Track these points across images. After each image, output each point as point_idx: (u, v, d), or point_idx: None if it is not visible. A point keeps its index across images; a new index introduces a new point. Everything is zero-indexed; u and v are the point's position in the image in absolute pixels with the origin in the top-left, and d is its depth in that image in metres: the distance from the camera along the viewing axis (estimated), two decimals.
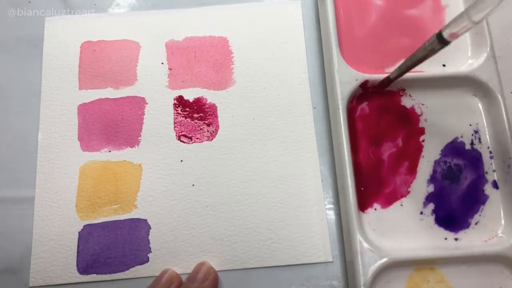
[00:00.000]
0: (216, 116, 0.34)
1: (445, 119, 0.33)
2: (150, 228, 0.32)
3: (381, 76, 0.33)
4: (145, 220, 0.32)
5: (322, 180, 0.33)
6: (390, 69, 0.34)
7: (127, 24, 0.37)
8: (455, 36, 0.25)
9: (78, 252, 0.31)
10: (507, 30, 0.36)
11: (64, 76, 0.35)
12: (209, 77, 0.35)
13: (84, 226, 0.32)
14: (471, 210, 0.32)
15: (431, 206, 0.32)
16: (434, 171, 0.32)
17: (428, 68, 0.33)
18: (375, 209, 0.32)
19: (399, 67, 0.31)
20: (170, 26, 0.37)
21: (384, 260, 0.29)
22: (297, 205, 0.32)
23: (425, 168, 0.32)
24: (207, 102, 0.35)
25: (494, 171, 0.32)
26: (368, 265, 0.28)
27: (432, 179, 0.32)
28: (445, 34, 0.25)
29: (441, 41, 0.26)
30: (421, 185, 0.32)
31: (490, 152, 0.33)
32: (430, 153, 0.33)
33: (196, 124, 0.34)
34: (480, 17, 0.24)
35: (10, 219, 0.32)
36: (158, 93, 0.35)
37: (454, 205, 0.32)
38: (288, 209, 0.32)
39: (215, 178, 0.33)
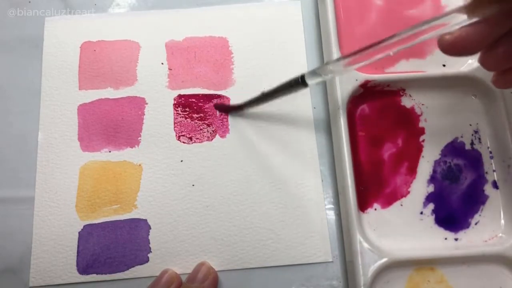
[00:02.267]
0: (216, 117, 0.34)
1: (445, 119, 0.33)
2: (150, 228, 0.32)
3: (381, 76, 0.33)
4: (145, 220, 0.32)
5: (322, 180, 0.33)
6: (390, 69, 0.34)
7: (127, 24, 0.37)
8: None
9: (78, 252, 0.31)
10: None
11: (64, 76, 0.35)
12: (209, 77, 0.35)
13: (84, 226, 0.32)
14: (471, 210, 0.32)
15: (431, 206, 0.32)
16: (434, 171, 0.32)
17: (428, 68, 0.33)
18: (375, 209, 0.32)
19: (256, 98, 0.32)
20: (170, 26, 0.37)
21: (384, 260, 0.29)
22: (297, 205, 0.32)
23: (425, 168, 0.32)
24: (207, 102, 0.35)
25: (494, 171, 0.32)
26: (368, 265, 0.28)
27: (432, 179, 0.32)
28: (309, 82, 0.28)
29: (304, 84, 0.28)
30: (421, 185, 0.32)
31: (490, 152, 0.33)
32: (430, 153, 0.33)
33: (196, 124, 0.34)
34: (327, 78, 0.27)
35: (10, 219, 0.32)
36: (158, 93, 0.35)
37: (454, 205, 0.32)
38: (288, 209, 0.32)
39: (215, 178, 0.33)
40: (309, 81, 0.28)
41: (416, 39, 0.24)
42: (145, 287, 0.29)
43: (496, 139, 0.32)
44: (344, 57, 0.26)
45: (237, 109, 0.34)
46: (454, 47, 0.24)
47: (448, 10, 0.23)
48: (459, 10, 0.22)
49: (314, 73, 0.28)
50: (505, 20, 0.23)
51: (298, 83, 0.28)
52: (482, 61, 0.25)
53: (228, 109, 0.34)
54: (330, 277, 0.31)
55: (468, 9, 0.22)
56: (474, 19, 0.22)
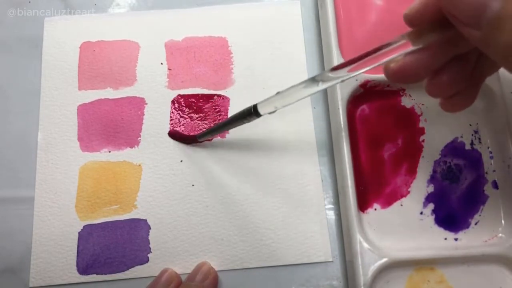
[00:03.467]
0: (216, 116, 0.34)
1: (445, 119, 0.33)
2: (150, 228, 0.32)
3: (381, 76, 0.33)
4: (145, 220, 0.32)
5: (322, 180, 0.33)
6: None
7: (126, 24, 0.37)
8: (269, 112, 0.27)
9: (78, 252, 0.31)
10: None
11: (64, 76, 0.35)
12: (209, 77, 0.35)
13: (84, 226, 0.32)
14: (471, 210, 0.32)
15: (431, 206, 0.32)
16: (434, 171, 0.32)
17: None
18: (375, 209, 0.32)
19: (210, 130, 0.31)
20: (170, 26, 0.37)
21: (384, 260, 0.29)
22: (297, 205, 0.32)
23: (425, 168, 0.32)
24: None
25: (494, 171, 0.32)
26: (368, 265, 0.28)
27: (432, 179, 0.32)
28: (261, 111, 0.27)
29: (257, 114, 0.27)
30: (421, 185, 0.32)
31: (490, 152, 0.33)
32: (430, 153, 0.33)
33: (196, 124, 0.34)
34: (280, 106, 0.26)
35: (10, 219, 0.32)
36: (158, 93, 0.35)
37: (454, 205, 0.32)
38: (288, 209, 0.32)
39: (215, 178, 0.33)
40: (262, 111, 0.27)
41: (366, 67, 0.23)
42: (145, 287, 0.29)
43: (496, 139, 0.32)
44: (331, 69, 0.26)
45: (192, 140, 0.33)
46: (399, 75, 0.24)
47: (393, 38, 0.23)
48: (403, 37, 0.23)
49: (266, 103, 0.27)
50: (448, 48, 0.23)
51: (251, 113, 0.27)
52: (427, 89, 0.25)
53: (182, 139, 0.34)
54: (330, 277, 0.31)
55: (411, 37, 0.22)
56: (418, 47, 0.22)
